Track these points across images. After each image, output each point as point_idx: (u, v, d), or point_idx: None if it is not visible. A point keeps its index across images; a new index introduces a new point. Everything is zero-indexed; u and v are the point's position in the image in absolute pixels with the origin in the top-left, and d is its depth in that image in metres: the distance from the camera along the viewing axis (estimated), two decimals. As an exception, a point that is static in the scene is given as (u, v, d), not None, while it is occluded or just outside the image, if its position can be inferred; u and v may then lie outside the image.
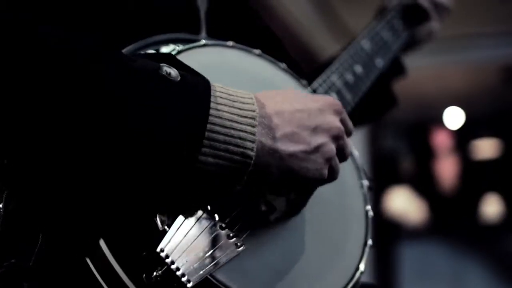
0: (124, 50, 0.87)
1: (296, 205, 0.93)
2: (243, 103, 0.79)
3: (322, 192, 0.97)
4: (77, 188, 0.77)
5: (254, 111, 0.79)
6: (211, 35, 1.05)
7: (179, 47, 0.89)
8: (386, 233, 6.92)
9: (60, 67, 0.68)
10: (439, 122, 8.21)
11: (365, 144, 6.93)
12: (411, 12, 1.43)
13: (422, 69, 6.59)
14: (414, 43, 1.49)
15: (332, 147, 0.86)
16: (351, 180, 1.08)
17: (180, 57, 0.84)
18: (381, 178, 7.09)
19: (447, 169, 7.81)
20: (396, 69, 1.46)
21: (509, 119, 8.12)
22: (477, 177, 7.66)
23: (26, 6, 0.80)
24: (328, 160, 0.85)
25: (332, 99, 0.90)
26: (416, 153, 8.87)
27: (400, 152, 8.46)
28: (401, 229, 7.21)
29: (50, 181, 0.77)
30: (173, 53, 0.87)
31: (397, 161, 8.13)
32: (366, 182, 1.09)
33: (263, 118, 0.80)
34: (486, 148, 7.85)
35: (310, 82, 1.08)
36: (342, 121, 0.90)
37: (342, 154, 0.90)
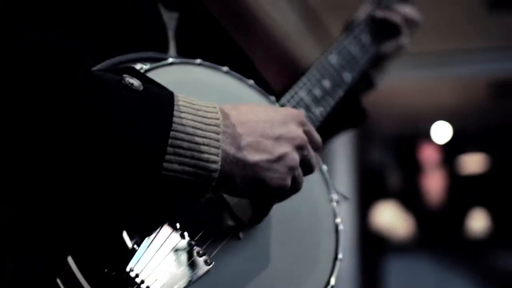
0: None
1: (258, 214, 0.93)
2: (207, 111, 0.80)
3: (292, 207, 0.97)
4: (41, 198, 0.78)
5: (218, 119, 0.80)
6: (181, 53, 1.05)
7: (146, 66, 0.90)
8: (372, 247, 6.94)
9: (21, 68, 0.69)
10: (426, 136, 8.26)
11: (351, 158, 6.95)
12: (381, 26, 1.43)
13: (410, 83, 6.64)
14: (383, 58, 1.49)
15: (295, 157, 0.87)
16: (321, 194, 1.08)
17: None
18: (368, 192, 7.12)
19: (434, 184, 7.84)
20: (365, 83, 1.47)
21: (496, 134, 8.17)
22: (464, 192, 7.71)
23: (8, 7, 0.81)
24: (291, 170, 0.86)
25: (295, 111, 0.91)
26: (403, 168, 8.90)
27: (387, 166, 8.49)
28: (388, 243, 7.23)
29: (17, 188, 0.78)
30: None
31: (384, 175, 8.16)
32: (335, 196, 1.09)
33: (227, 127, 0.81)
34: (473, 163, 7.90)
35: (278, 98, 1.09)
36: (306, 132, 0.91)
37: (307, 165, 0.91)
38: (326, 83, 1.18)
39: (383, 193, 7.68)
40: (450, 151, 8.07)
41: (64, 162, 0.71)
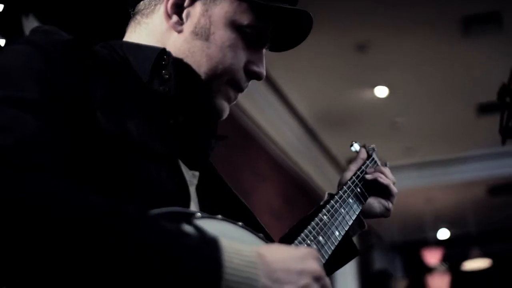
0: None
1: None
2: (247, 251, 1.01)
3: None
4: None
5: (255, 256, 1.00)
6: (201, 208, 1.23)
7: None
8: None
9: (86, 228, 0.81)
10: (429, 242, 8.40)
11: (357, 263, 7.07)
12: (368, 187, 1.61)
13: (411, 190, 6.72)
14: (370, 215, 1.64)
15: (315, 287, 1.03)
16: None
17: None
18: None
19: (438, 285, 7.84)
20: (357, 225, 1.62)
21: (496, 238, 8.25)
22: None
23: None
24: None
25: (310, 249, 1.11)
26: (407, 273, 8.87)
27: (391, 272, 8.51)
28: None
29: None
30: None
31: (388, 280, 8.17)
32: None
33: (263, 265, 1.01)
34: (475, 265, 7.95)
35: None
36: (321, 267, 1.07)
37: None
38: (321, 239, 1.40)
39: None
40: (452, 255, 8.14)
41: None
